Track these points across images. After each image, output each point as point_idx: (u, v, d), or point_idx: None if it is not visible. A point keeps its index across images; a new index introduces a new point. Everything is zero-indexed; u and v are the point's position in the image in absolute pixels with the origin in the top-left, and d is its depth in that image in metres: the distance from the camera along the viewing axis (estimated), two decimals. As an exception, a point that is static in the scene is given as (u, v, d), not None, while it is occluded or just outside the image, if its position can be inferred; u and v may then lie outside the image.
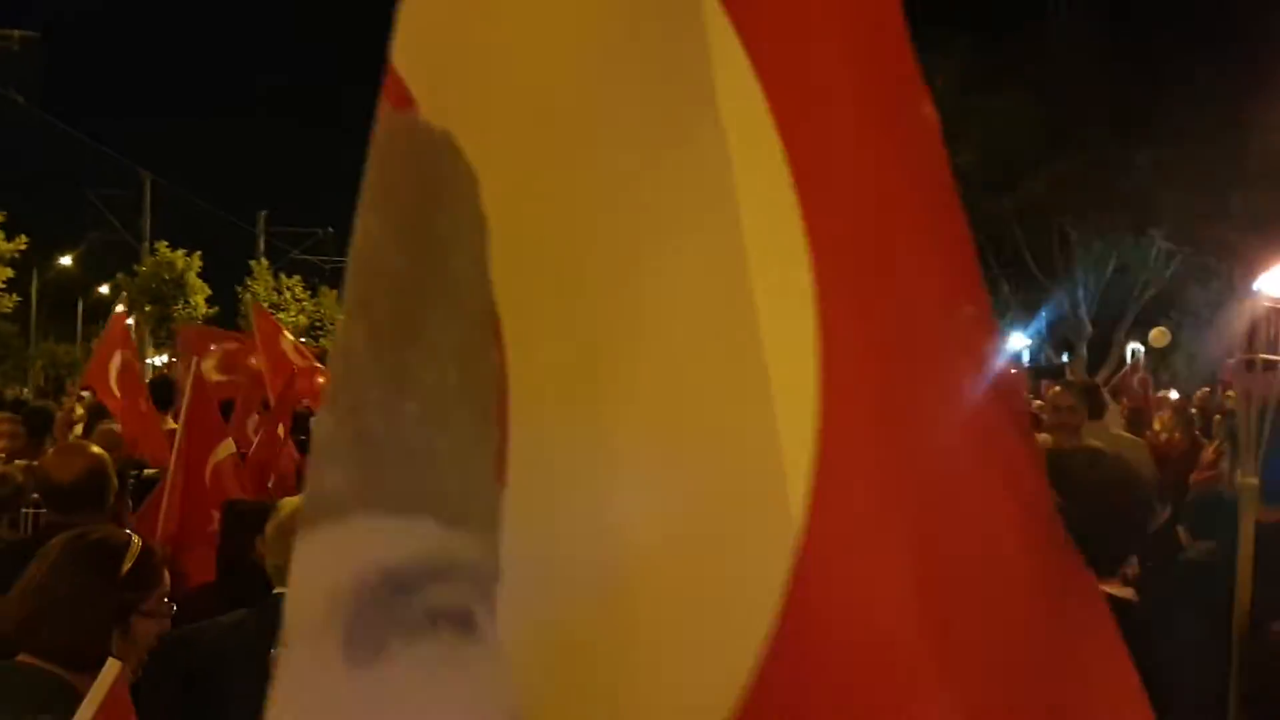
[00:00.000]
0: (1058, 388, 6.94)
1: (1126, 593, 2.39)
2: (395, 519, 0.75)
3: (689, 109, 0.87)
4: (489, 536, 0.76)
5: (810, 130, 0.93)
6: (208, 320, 27.28)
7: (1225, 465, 3.61)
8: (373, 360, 0.77)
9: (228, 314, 27.74)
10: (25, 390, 26.13)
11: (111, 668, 1.23)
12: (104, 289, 37.41)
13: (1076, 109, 27.26)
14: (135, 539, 2.36)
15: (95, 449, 3.89)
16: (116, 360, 7.70)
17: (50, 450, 4.51)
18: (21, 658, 2.09)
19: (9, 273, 25.31)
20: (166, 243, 28.14)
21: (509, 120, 0.81)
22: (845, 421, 0.86)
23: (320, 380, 7.48)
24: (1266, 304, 2.45)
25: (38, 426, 7.11)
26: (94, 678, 1.80)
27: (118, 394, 7.46)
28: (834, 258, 0.90)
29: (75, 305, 46.47)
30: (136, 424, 6.77)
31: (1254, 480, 2.35)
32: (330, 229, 47.97)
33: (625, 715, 0.78)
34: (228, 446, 4.88)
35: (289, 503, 3.08)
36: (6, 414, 7.73)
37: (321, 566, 0.74)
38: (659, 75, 0.86)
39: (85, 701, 1.17)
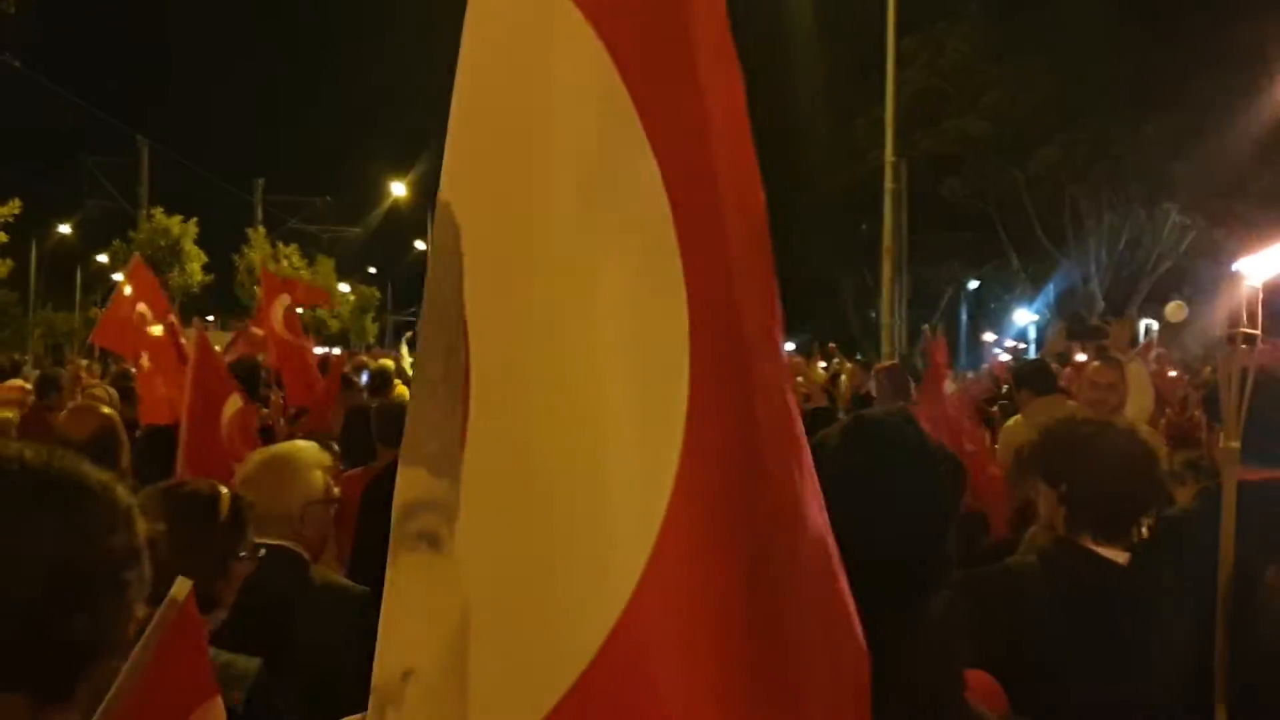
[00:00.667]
0: (1096, 362, 6.35)
1: (1121, 557, 2.55)
2: (409, 469, 1.16)
3: (608, 157, 1.13)
4: (455, 484, 1.10)
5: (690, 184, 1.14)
6: (203, 288, 26.98)
7: (1204, 435, 3.82)
8: (419, 362, 1.21)
9: (224, 282, 27.54)
10: (25, 357, 25.90)
11: (182, 585, 1.28)
12: (102, 257, 37.00)
13: (1091, 78, 26.71)
14: (223, 488, 2.47)
15: (106, 409, 4.07)
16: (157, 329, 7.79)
17: (65, 410, 4.65)
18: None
19: (2, 237, 24.76)
20: (162, 209, 27.61)
21: (484, 188, 1.16)
22: (703, 444, 1.08)
23: (304, 357, 7.62)
24: (1248, 284, 2.63)
25: (46, 392, 7.49)
26: (204, 622, 2.04)
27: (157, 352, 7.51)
28: (705, 291, 1.11)
29: (74, 273, 46.13)
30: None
31: (1236, 445, 2.51)
32: (328, 198, 47.63)
33: (521, 625, 1.08)
34: (235, 401, 5.00)
35: (254, 457, 3.25)
36: (18, 381, 8.34)
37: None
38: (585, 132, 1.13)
39: (155, 619, 1.23)
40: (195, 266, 26.30)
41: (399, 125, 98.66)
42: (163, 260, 25.36)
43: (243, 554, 2.43)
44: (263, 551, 2.57)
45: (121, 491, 1.24)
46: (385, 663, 1.13)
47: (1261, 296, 2.62)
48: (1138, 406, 6.35)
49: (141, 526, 1.25)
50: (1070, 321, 26.89)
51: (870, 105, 29.19)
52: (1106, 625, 2.42)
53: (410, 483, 1.15)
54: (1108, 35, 26.28)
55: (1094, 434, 2.71)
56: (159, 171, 33.94)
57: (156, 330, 7.83)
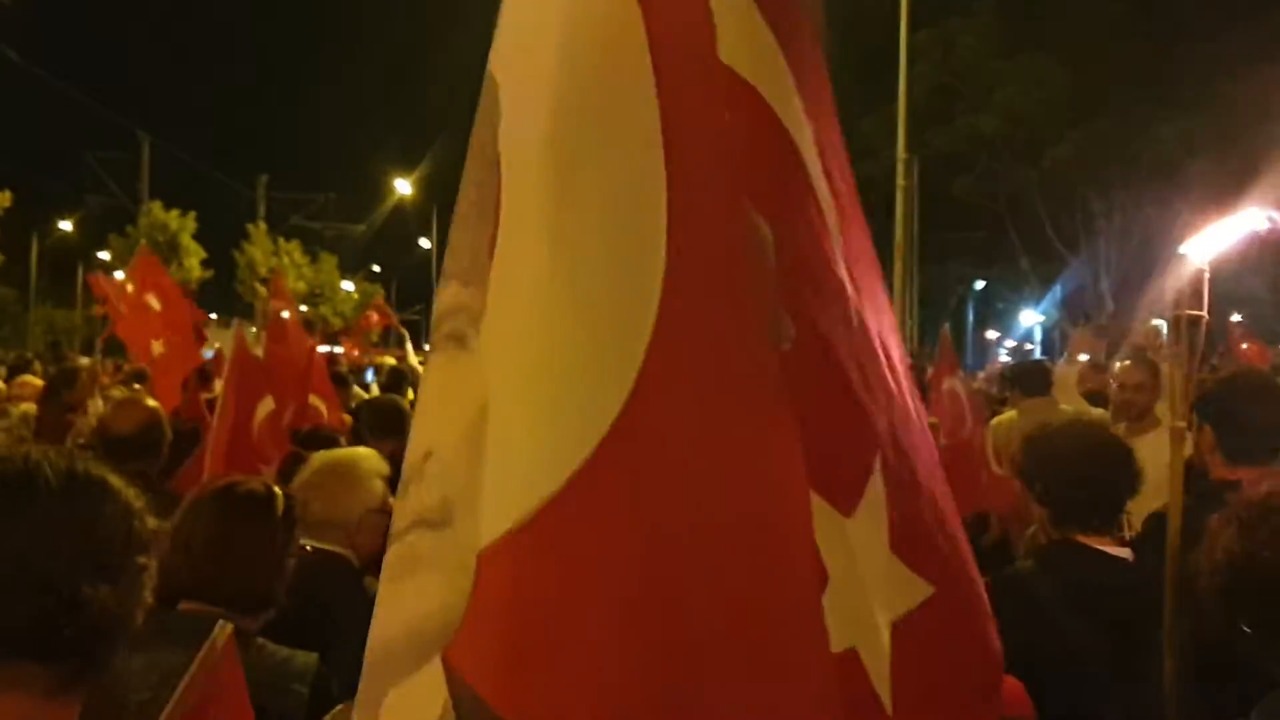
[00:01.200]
0: (1127, 361, 6.09)
1: (1123, 552, 2.68)
2: (446, 285, 1.33)
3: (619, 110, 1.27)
4: (482, 291, 1.24)
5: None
6: (202, 284, 26.50)
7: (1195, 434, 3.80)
8: (461, 194, 1.42)
9: (223, 278, 27.16)
10: (27, 354, 25.56)
11: (223, 629, 1.38)
12: (104, 254, 36.67)
13: (1103, 74, 26.33)
14: (274, 487, 2.54)
15: (151, 402, 4.18)
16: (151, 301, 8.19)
17: (105, 406, 4.81)
18: (185, 605, 2.24)
19: (-6, 230, 24.20)
20: (160, 203, 27.14)
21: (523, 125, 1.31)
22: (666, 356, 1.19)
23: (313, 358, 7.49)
24: (1193, 265, 2.70)
25: (59, 388, 7.67)
26: (260, 619, 2.31)
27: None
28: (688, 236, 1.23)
29: (75, 270, 45.82)
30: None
31: (1182, 424, 2.58)
32: (332, 195, 47.22)
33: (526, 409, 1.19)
34: (267, 403, 5.18)
35: (316, 460, 3.30)
36: (32, 377, 8.80)
37: None
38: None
39: (198, 658, 1.32)
40: (194, 262, 25.81)
41: (404, 123, 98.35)
42: (160, 255, 24.92)
43: (293, 550, 2.53)
44: (309, 547, 2.68)
45: (133, 492, 1.38)
46: (413, 448, 1.26)
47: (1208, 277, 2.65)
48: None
49: (151, 523, 1.39)
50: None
51: (878, 104, 28.88)
52: (1115, 620, 2.46)
53: (446, 294, 1.30)
54: (1122, 30, 25.90)
55: (1057, 430, 2.88)
56: (161, 168, 33.66)
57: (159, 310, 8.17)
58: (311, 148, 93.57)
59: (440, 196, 60.36)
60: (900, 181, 17.72)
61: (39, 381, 8.48)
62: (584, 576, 1.13)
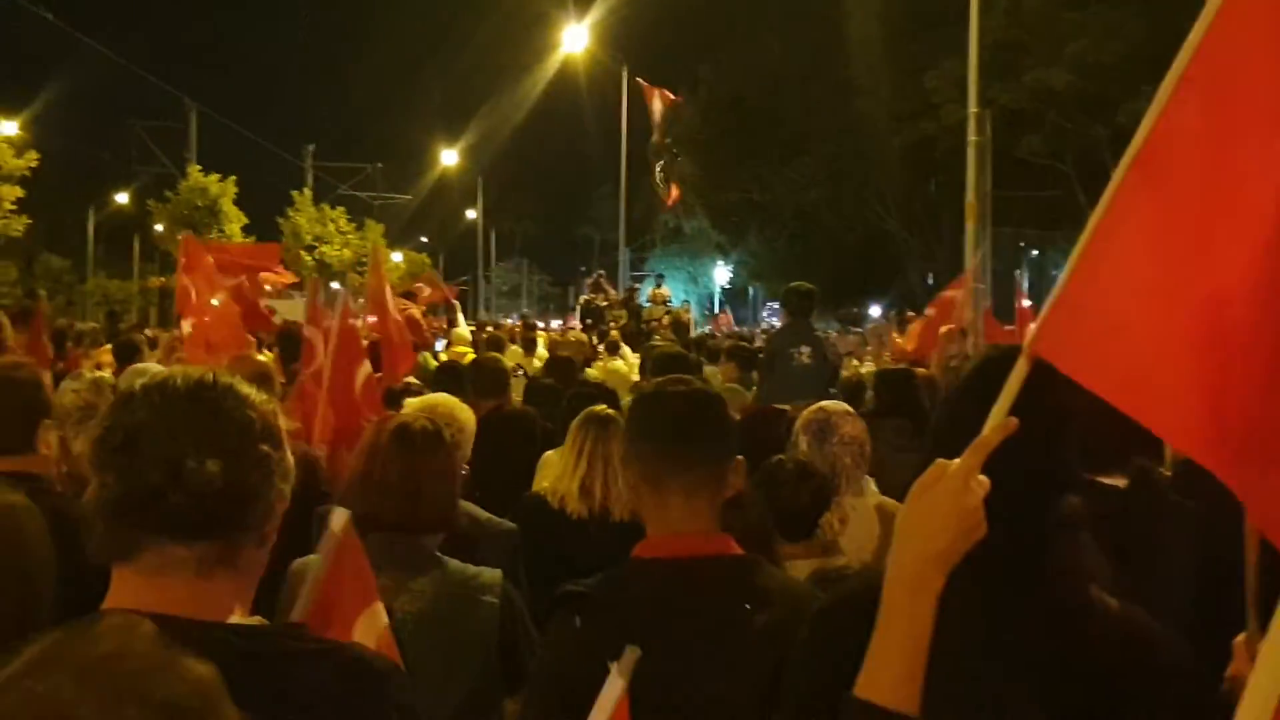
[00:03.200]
0: None
1: (1118, 481, 2.70)
2: None
3: None
4: None
5: None
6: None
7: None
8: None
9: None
10: (87, 325, 25.38)
11: (339, 516, 1.81)
12: (159, 226, 36.42)
13: (1185, 24, 24.85)
14: (432, 421, 2.89)
15: (261, 357, 4.59)
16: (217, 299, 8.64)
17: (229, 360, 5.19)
18: (387, 532, 2.59)
19: (19, 192, 23.77)
20: (200, 167, 26.65)
21: None
22: None
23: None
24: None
25: (128, 357, 8.14)
26: (435, 540, 2.76)
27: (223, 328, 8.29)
28: None
29: (130, 241, 45.94)
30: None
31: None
32: (379, 164, 46.90)
33: None
34: (365, 368, 5.62)
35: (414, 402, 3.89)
36: (108, 345, 9.46)
37: None
38: None
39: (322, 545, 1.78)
40: (234, 228, 25.27)
41: (451, 94, 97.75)
42: (200, 221, 24.48)
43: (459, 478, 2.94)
44: None
45: (263, 396, 1.52)
46: None
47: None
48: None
49: (283, 422, 1.54)
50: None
51: (940, 57, 27.66)
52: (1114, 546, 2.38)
53: None
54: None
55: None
56: (208, 137, 33.35)
57: (215, 301, 8.66)
58: (358, 118, 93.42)
59: (486, 168, 60.41)
60: (972, 137, 16.66)
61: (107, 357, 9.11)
62: None
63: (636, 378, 8.13)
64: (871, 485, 3.75)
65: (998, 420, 1.46)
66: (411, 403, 3.73)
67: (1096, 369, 1.47)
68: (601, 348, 13.74)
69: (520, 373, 9.12)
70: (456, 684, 2.55)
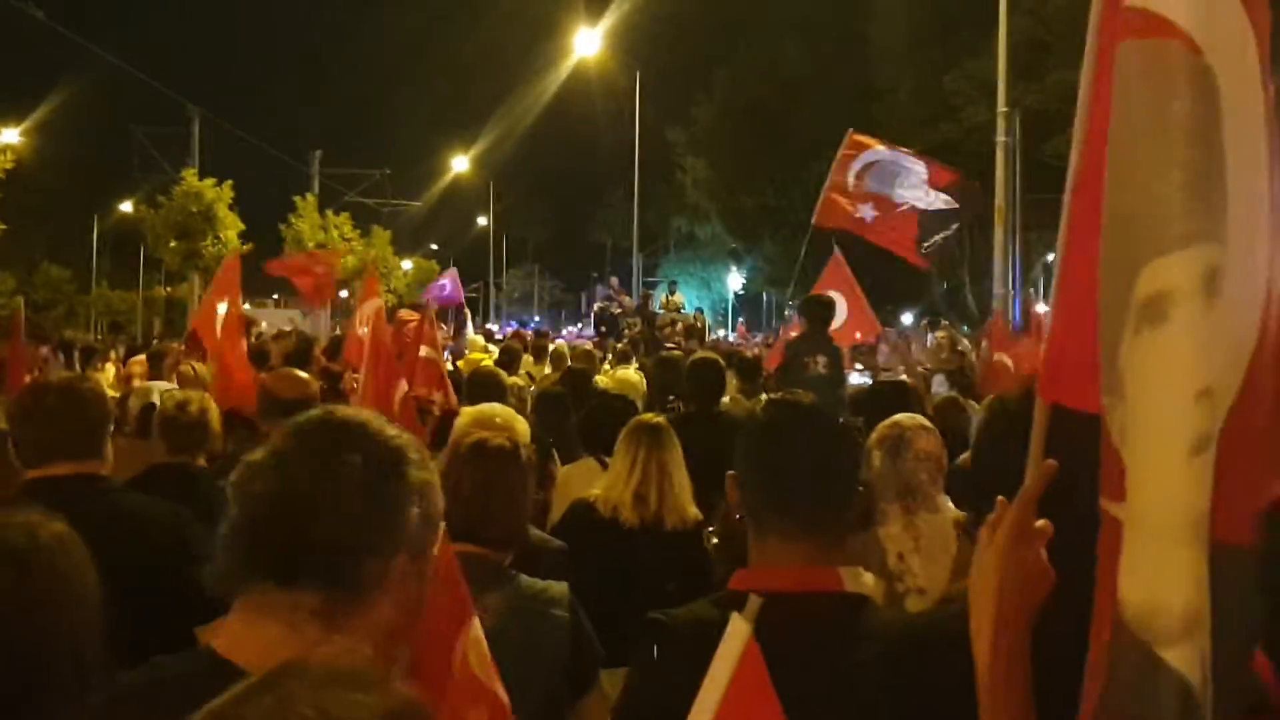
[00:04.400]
0: None
1: None
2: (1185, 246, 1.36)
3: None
4: (1224, 249, 1.37)
5: None
6: (242, 259, 25.11)
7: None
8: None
9: (268, 253, 26.08)
10: (89, 336, 24.90)
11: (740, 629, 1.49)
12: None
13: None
14: (510, 439, 2.95)
15: (303, 373, 4.62)
16: (223, 307, 8.47)
17: (264, 373, 5.31)
18: (460, 547, 2.34)
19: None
20: (195, 171, 25.84)
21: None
22: None
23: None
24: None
25: (158, 366, 8.34)
26: (507, 555, 2.78)
27: (220, 339, 8.18)
28: None
29: (136, 251, 45.38)
30: (228, 371, 7.48)
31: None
32: (387, 171, 46.25)
33: None
34: (402, 386, 5.65)
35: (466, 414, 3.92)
36: (140, 356, 9.86)
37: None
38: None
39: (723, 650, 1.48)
40: (231, 234, 24.49)
41: (459, 100, 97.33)
42: (195, 228, 23.70)
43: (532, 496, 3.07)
44: None
45: (392, 432, 1.50)
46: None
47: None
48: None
49: (416, 474, 1.48)
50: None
51: (962, 58, 26.92)
52: None
53: (1208, 252, 1.37)
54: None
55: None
56: (214, 143, 32.73)
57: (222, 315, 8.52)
58: (367, 124, 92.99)
59: (498, 173, 59.85)
60: (1000, 138, 15.90)
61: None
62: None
63: (643, 387, 7.87)
64: (947, 501, 3.57)
65: (1035, 469, 1.51)
66: (467, 411, 3.73)
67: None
68: (609, 357, 13.31)
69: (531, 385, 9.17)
70: (528, 698, 2.52)
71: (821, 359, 8.16)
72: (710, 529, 3.96)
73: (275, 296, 49.96)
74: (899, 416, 3.81)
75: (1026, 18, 24.92)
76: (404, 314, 14.03)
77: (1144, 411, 1.39)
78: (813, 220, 12.08)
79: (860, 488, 2.03)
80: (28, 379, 5.47)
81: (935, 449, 3.59)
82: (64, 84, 38.98)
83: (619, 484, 3.92)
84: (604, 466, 4.56)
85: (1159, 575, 1.34)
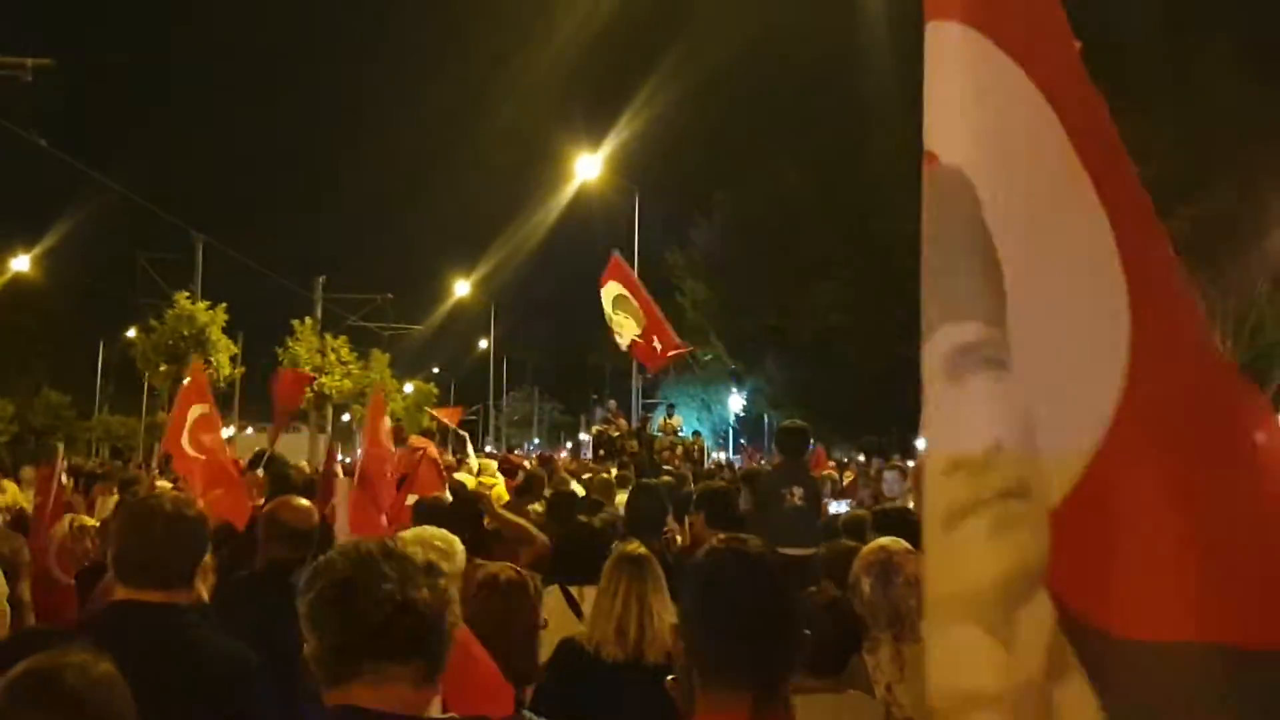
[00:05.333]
0: None
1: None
2: (956, 325, 1.52)
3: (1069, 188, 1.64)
4: (1003, 331, 1.51)
5: (1115, 188, 1.66)
6: (231, 383, 24.74)
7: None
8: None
9: (261, 376, 25.75)
10: (89, 461, 24.50)
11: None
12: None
13: (1220, 146, 24.24)
14: (518, 572, 3.31)
15: (308, 503, 4.75)
16: (193, 413, 8.27)
17: (275, 502, 5.09)
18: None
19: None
20: (187, 294, 25.65)
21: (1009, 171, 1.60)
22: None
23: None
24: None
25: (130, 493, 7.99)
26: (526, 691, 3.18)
27: (191, 452, 8.01)
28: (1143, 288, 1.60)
29: (139, 377, 45.07)
30: (213, 478, 7.54)
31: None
32: (389, 295, 46.25)
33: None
34: (383, 520, 6.04)
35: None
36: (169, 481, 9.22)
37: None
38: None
39: None
40: (223, 358, 24.16)
41: (461, 225, 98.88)
42: (185, 352, 23.37)
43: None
44: None
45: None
46: (978, 443, 1.48)
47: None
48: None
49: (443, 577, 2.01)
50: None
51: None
52: None
53: (968, 330, 1.51)
54: (1240, 98, 23.94)
55: None
56: (217, 269, 32.69)
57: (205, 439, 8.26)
58: (368, 249, 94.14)
59: (499, 297, 60.10)
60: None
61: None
62: (1127, 520, 1.46)
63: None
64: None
65: None
66: (404, 535, 3.63)
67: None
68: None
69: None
70: None
71: (798, 490, 8.09)
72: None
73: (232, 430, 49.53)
74: (884, 541, 3.78)
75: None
76: (416, 440, 13.99)
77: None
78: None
79: (806, 633, 2.07)
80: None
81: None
82: (71, 211, 39.36)
83: (602, 619, 3.86)
84: (567, 597, 4.86)
85: (944, 657, 1.40)
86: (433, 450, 13.59)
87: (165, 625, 2.87)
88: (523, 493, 8.96)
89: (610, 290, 11.82)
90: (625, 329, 11.45)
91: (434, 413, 18.41)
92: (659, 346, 11.61)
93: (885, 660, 3.42)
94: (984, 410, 1.45)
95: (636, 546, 4.16)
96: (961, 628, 1.35)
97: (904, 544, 3.74)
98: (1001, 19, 1.62)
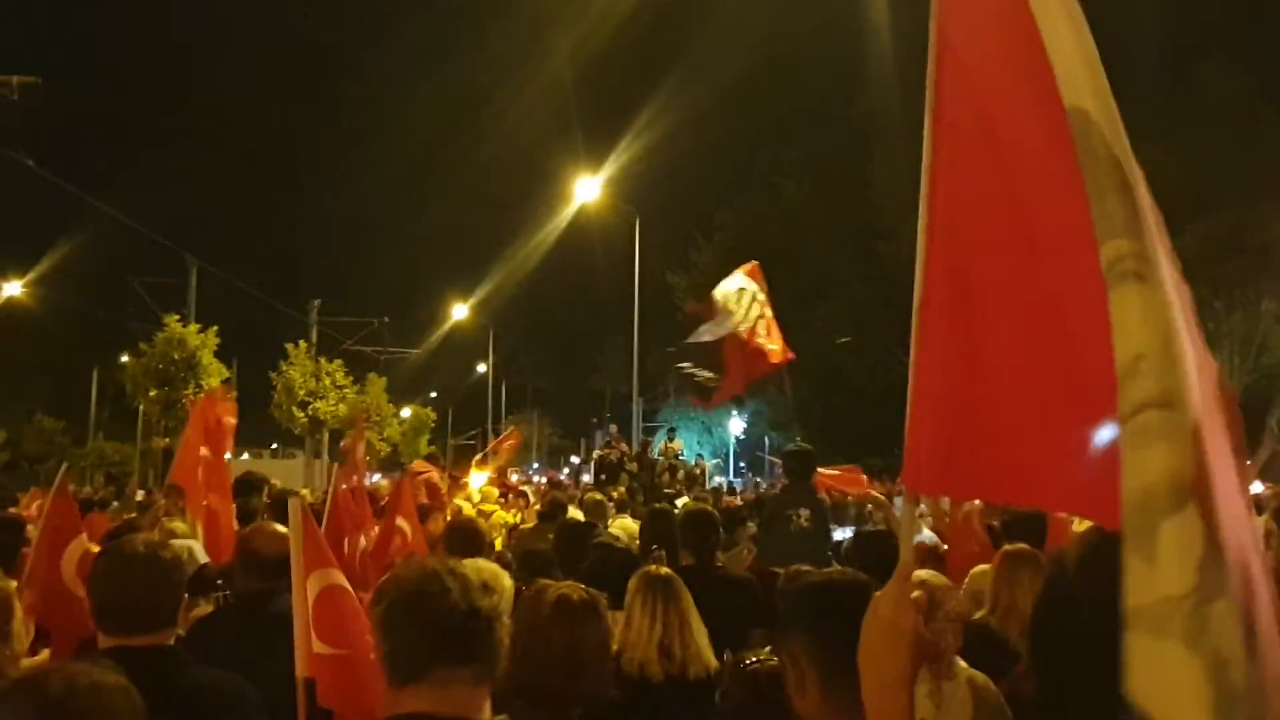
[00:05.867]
0: None
1: None
2: (1104, 239, 1.53)
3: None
4: (1143, 244, 1.50)
5: None
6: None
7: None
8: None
9: (254, 402, 25.35)
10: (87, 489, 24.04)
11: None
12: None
13: (1222, 163, 23.97)
14: (589, 592, 3.12)
15: (283, 529, 4.42)
16: (203, 452, 8.24)
17: (249, 529, 4.98)
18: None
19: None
20: (178, 317, 25.23)
21: None
22: None
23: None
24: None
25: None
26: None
27: (205, 490, 7.98)
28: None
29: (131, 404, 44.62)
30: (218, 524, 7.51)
31: None
32: (386, 319, 45.89)
33: None
34: (361, 541, 6.08)
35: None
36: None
37: None
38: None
39: None
40: (214, 382, 23.68)
41: (462, 246, 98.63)
42: (175, 376, 22.94)
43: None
44: None
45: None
46: (1121, 353, 1.46)
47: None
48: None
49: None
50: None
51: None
52: None
53: (1111, 247, 1.48)
54: (1248, 116, 23.71)
55: None
56: (212, 293, 32.32)
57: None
58: (365, 272, 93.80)
59: (498, 320, 59.73)
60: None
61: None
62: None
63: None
64: (960, 662, 3.52)
65: (906, 549, 1.80)
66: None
67: (971, 477, 1.78)
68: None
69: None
70: None
71: (805, 512, 8.11)
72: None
73: (274, 446, 49.23)
74: (924, 574, 3.66)
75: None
76: (418, 464, 13.75)
77: None
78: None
79: None
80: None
81: (963, 611, 3.69)
82: (65, 237, 39.06)
83: (642, 640, 3.93)
84: None
85: None
86: (434, 475, 13.34)
87: (160, 667, 2.86)
88: (545, 518, 9.13)
89: (741, 281, 11.28)
90: (735, 319, 10.87)
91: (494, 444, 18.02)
92: (772, 346, 10.94)
93: (922, 696, 3.23)
94: (1127, 319, 1.49)
95: (658, 568, 4.30)
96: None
97: (942, 578, 3.71)
98: None
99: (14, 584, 4.57)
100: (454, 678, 2.09)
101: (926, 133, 1.84)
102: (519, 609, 3.07)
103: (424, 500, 11.10)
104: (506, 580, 3.68)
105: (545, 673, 2.78)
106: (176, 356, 23.33)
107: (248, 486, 8.57)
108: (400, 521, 7.14)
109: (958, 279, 1.82)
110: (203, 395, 10.10)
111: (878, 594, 1.69)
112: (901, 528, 1.82)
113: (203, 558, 6.40)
